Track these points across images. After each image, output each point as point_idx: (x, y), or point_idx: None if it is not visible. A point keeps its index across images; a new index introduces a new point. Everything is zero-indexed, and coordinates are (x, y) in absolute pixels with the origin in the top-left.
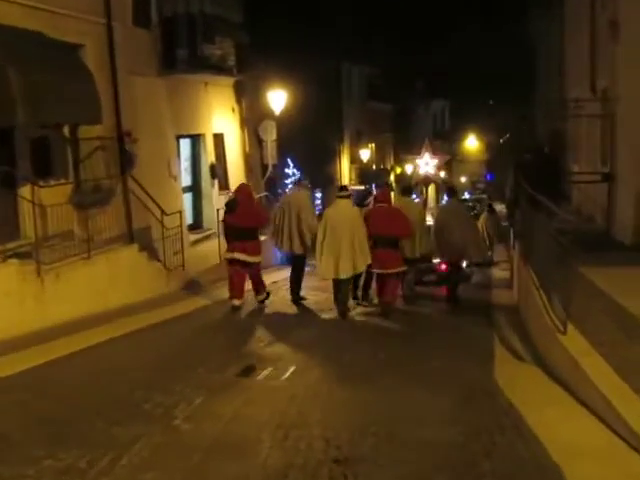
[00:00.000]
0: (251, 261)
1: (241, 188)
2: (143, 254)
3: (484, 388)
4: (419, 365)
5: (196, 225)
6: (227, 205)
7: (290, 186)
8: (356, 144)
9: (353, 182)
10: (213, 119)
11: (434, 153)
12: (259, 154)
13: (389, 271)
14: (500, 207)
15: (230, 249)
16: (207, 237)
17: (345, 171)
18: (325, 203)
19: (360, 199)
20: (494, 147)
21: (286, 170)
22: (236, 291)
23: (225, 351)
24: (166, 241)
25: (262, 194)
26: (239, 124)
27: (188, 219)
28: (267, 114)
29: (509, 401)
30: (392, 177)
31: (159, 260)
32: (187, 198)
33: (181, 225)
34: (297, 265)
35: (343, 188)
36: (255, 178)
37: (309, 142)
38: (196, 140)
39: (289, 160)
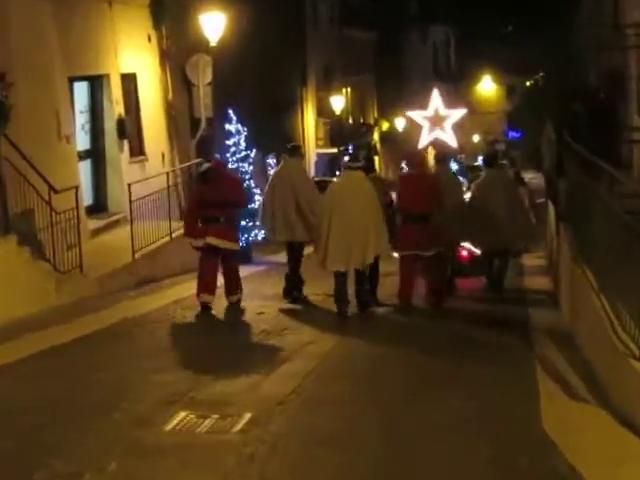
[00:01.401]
0: (228, 248)
1: (216, 159)
2: (23, 250)
3: (529, 440)
4: (438, 405)
5: (98, 207)
6: (201, 175)
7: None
8: (325, 88)
9: (321, 143)
10: (121, 53)
11: (447, 106)
12: (187, 103)
13: (426, 253)
14: (530, 176)
15: (201, 233)
16: (114, 224)
17: (310, 127)
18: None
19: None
20: (519, 92)
21: (227, 127)
22: (206, 284)
23: (150, 390)
24: (56, 231)
25: (194, 162)
26: (158, 60)
27: (87, 198)
28: (199, 46)
29: (567, 460)
30: (376, 135)
31: (46, 259)
32: (85, 168)
33: (77, 207)
34: (296, 254)
35: (354, 157)
36: (182, 138)
37: (259, 86)
38: (97, 84)
39: (231, 112)
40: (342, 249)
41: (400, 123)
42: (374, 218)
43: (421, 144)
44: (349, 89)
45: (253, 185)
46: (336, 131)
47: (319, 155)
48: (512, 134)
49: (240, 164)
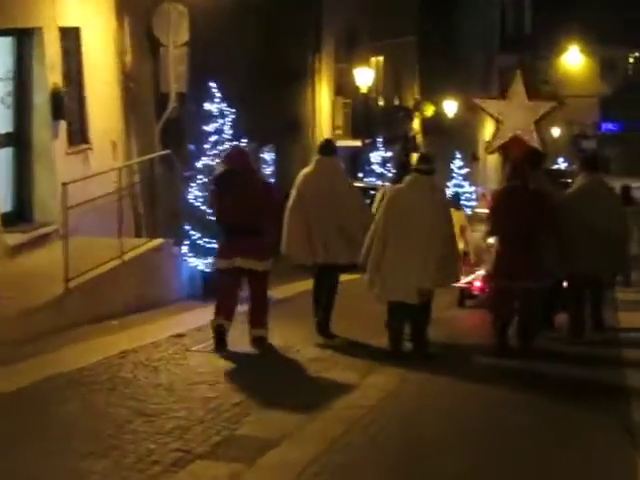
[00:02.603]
0: (259, 269)
1: (236, 154)
2: None
3: None
4: None
5: (20, 215)
6: (217, 181)
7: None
8: (347, 57)
9: (339, 132)
10: None
11: (530, 96)
12: (152, 72)
13: (525, 284)
14: (636, 185)
15: (226, 253)
16: (42, 239)
17: (324, 110)
18: (281, 169)
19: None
20: (619, 70)
21: (206, 106)
22: (225, 308)
23: None
24: None
25: (157, 154)
26: (113, 10)
27: (4, 203)
28: None
29: None
30: (416, 124)
31: None
32: (2, 159)
33: None
34: (327, 282)
35: (424, 158)
36: (143, 120)
37: (253, 52)
38: (24, 41)
39: (213, 86)
40: (402, 275)
41: (450, 107)
42: (446, 238)
43: (495, 143)
44: (381, 59)
45: None
46: (361, 116)
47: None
48: (607, 126)
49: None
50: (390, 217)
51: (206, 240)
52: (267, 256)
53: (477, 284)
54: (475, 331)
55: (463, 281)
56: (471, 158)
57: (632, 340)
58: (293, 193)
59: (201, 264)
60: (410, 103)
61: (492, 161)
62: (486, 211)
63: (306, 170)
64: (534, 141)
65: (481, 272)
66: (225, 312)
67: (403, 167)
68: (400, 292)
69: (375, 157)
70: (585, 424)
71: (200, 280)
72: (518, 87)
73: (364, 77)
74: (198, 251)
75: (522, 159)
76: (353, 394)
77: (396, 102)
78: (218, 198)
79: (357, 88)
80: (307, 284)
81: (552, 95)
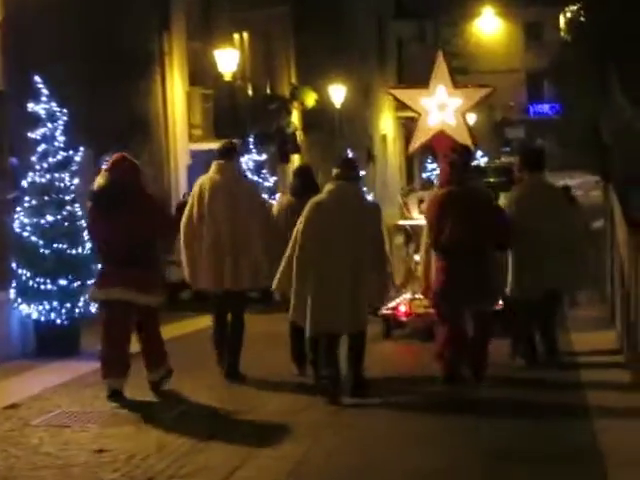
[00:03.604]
0: (145, 303)
1: (119, 161)
2: None
3: None
4: None
5: None
6: (96, 197)
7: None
8: (204, 36)
9: (198, 133)
10: None
11: (456, 83)
12: None
13: (479, 306)
14: (576, 182)
15: (104, 282)
16: None
17: (177, 105)
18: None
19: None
20: (548, 36)
21: (31, 106)
22: (116, 363)
23: None
24: None
25: None
26: None
27: None
28: None
29: None
30: (295, 117)
31: None
32: None
33: None
34: (233, 313)
35: (347, 163)
36: None
37: (87, 35)
38: None
39: (38, 82)
40: (327, 304)
41: (338, 94)
42: (378, 254)
43: (417, 141)
44: (246, 35)
45: (79, 212)
46: (225, 111)
47: (195, 154)
48: (538, 109)
49: (55, 174)
50: (315, 234)
51: (40, 281)
52: (159, 289)
53: (402, 309)
54: (409, 366)
55: (385, 307)
56: (366, 157)
57: (589, 363)
58: (187, 208)
59: (34, 311)
60: (286, 91)
61: (393, 160)
62: (410, 222)
63: (201, 179)
64: (464, 136)
65: (407, 295)
66: (116, 367)
67: (306, 175)
68: (334, 322)
69: (246, 162)
70: (544, 452)
71: (33, 333)
72: (441, 72)
73: (227, 60)
74: (30, 295)
75: (458, 159)
76: (258, 466)
77: (268, 90)
78: (97, 219)
79: (219, 75)
80: (178, 327)
81: (463, 72)
